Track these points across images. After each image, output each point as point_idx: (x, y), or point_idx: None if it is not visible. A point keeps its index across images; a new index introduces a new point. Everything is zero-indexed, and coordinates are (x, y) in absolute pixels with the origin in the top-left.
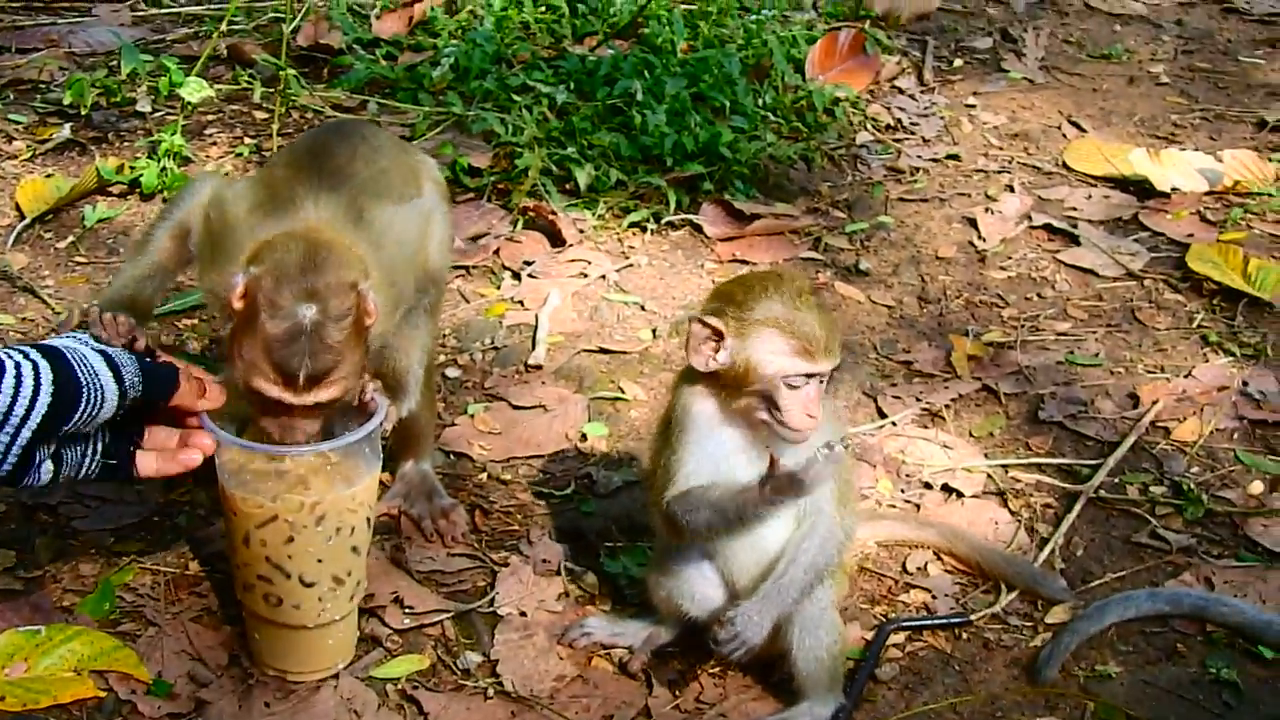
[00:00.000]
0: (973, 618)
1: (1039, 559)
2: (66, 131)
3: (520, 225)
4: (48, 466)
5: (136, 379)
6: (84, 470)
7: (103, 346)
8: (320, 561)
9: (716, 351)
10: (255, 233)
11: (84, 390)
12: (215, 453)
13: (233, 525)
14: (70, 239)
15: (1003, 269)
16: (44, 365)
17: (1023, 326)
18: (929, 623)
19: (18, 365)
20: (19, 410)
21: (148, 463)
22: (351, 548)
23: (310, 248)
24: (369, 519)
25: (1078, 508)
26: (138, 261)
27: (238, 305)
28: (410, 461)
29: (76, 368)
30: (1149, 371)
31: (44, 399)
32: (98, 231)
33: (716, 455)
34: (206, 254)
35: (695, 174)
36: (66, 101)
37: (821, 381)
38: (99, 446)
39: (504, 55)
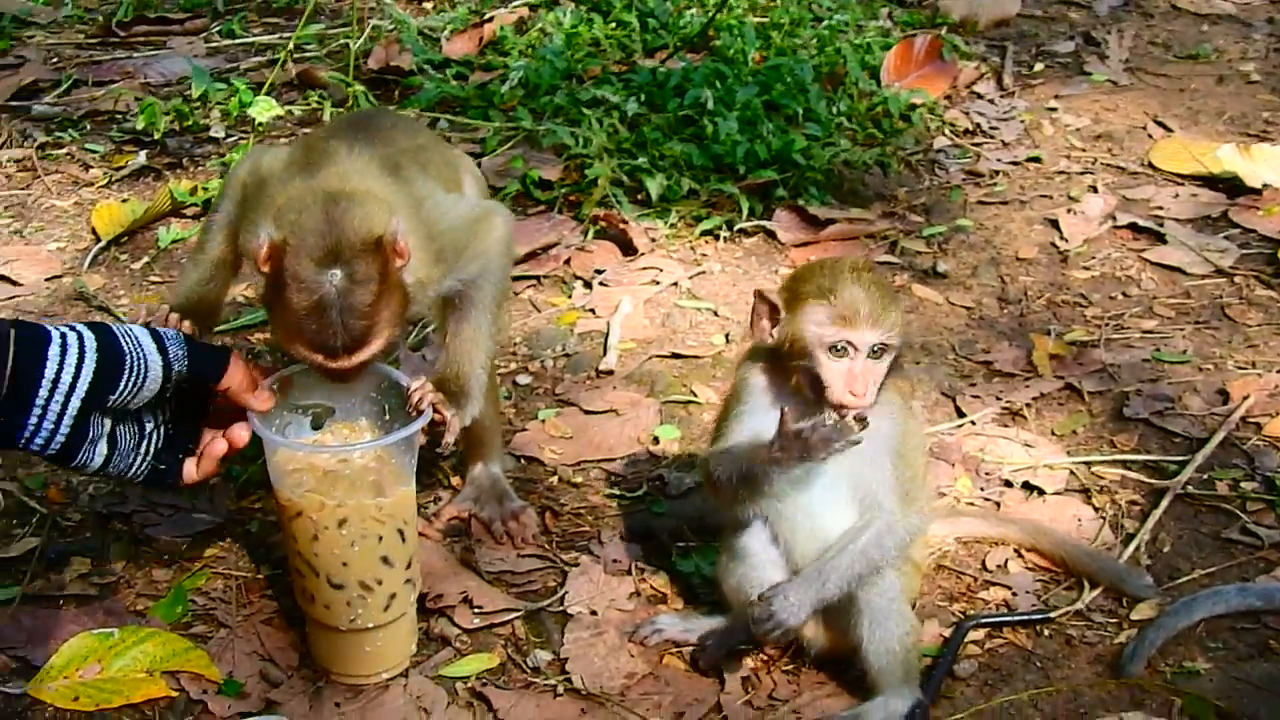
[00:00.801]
0: (1055, 614)
1: (1124, 555)
2: (142, 158)
3: (591, 235)
4: (101, 448)
5: (181, 353)
6: (134, 467)
7: (149, 325)
8: (345, 565)
9: (773, 325)
10: (286, 187)
11: (127, 357)
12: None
13: (279, 515)
14: (145, 260)
15: (1086, 269)
16: (88, 334)
17: (1107, 325)
18: (1009, 619)
19: (63, 335)
20: (66, 377)
21: (189, 469)
22: (381, 557)
23: (329, 202)
24: (402, 532)
25: (1165, 503)
26: (196, 261)
27: (264, 269)
28: (479, 465)
29: (120, 338)
30: (1239, 367)
31: (90, 364)
32: (171, 252)
33: (761, 426)
34: (243, 216)
35: (768, 181)
36: (140, 127)
37: (871, 357)
38: (153, 447)
39: (574, 71)
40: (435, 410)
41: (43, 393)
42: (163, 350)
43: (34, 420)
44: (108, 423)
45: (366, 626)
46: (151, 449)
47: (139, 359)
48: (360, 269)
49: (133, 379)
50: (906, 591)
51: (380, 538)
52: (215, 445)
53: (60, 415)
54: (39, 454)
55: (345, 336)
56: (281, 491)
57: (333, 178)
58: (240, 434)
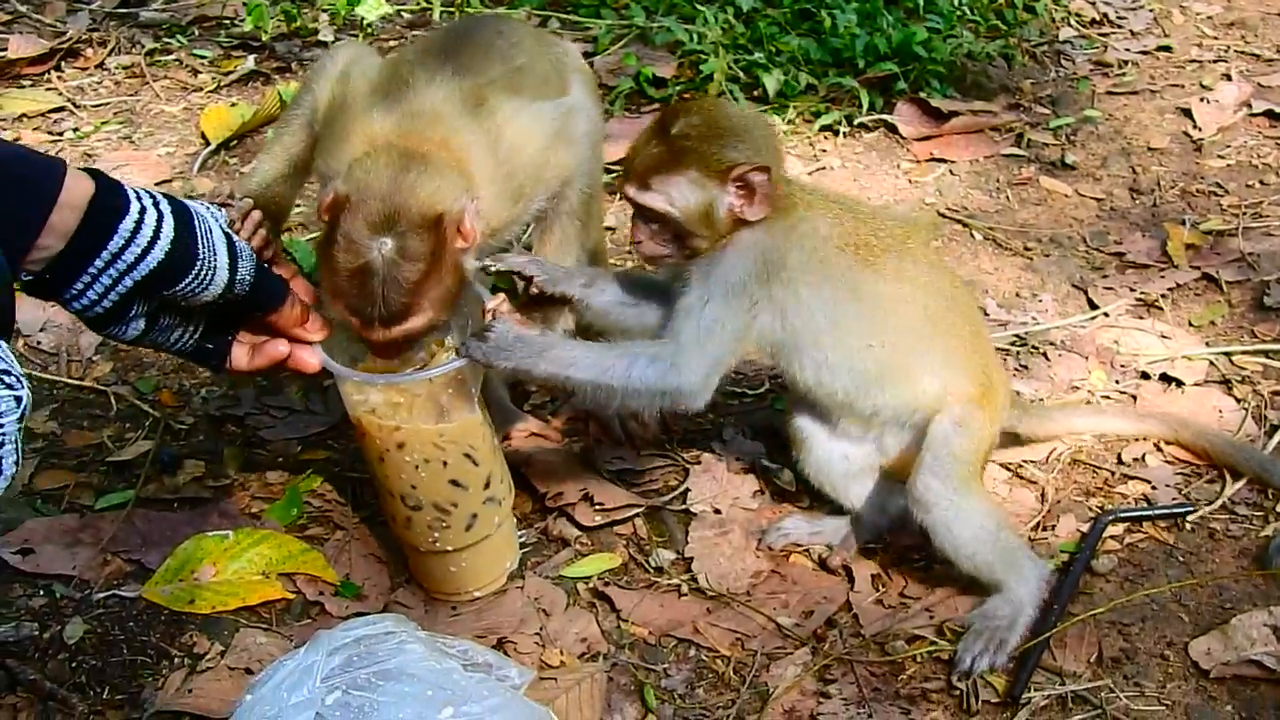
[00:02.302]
0: (1197, 508)
1: (1269, 446)
2: (250, 62)
3: None
4: (138, 325)
5: (249, 277)
6: (176, 343)
7: (231, 233)
8: (414, 488)
9: None
10: (367, 117)
11: (198, 262)
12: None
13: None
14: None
15: (1221, 157)
16: (169, 222)
17: (1244, 214)
18: (1149, 513)
19: (142, 211)
20: (128, 257)
21: (241, 355)
22: (450, 480)
23: (402, 167)
24: (471, 456)
25: None
26: (272, 152)
27: (325, 217)
28: None
29: (199, 239)
30: None
31: (157, 254)
32: None
33: None
34: (324, 131)
35: (888, 74)
36: (248, 30)
37: (640, 219)
38: (197, 326)
39: None
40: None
41: (98, 263)
42: (233, 268)
43: (80, 285)
44: (153, 303)
45: (447, 549)
46: (195, 331)
47: (207, 268)
48: (412, 243)
49: (192, 284)
50: (964, 483)
51: (445, 463)
52: (276, 346)
53: (109, 289)
54: (74, 314)
55: (384, 309)
56: (349, 411)
57: (408, 117)
58: (305, 360)
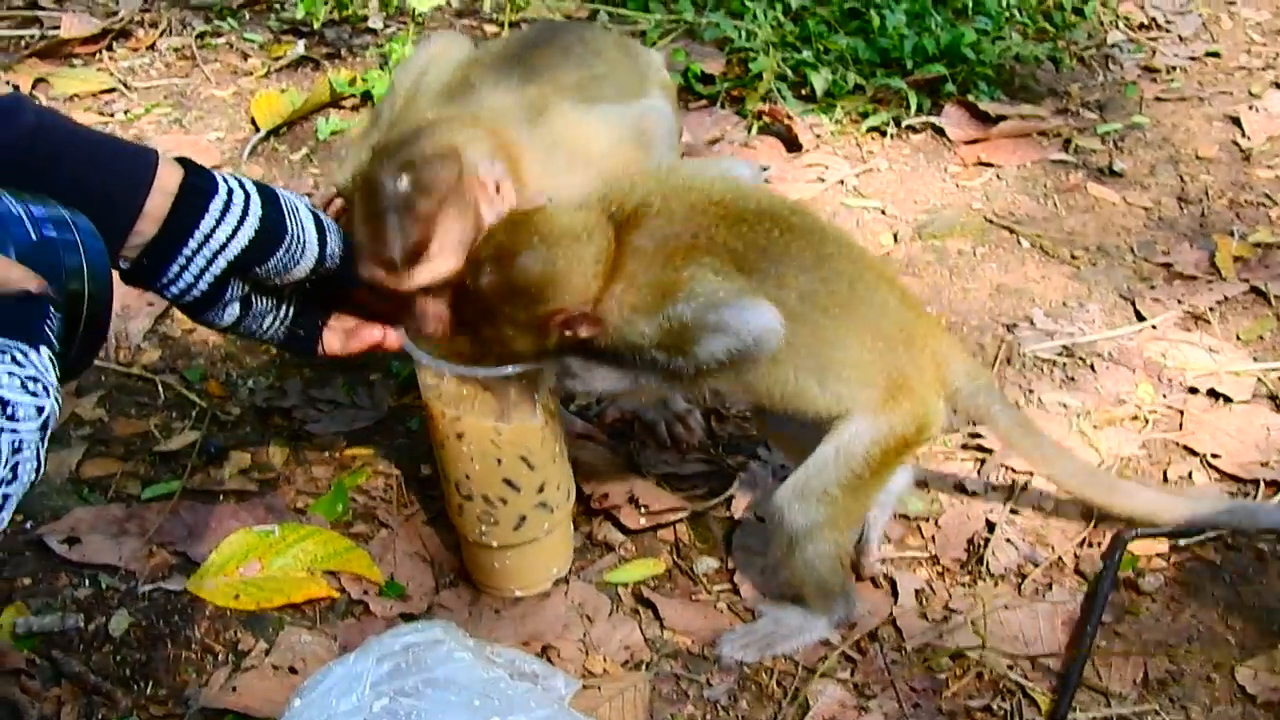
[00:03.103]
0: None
1: None
2: (300, 48)
3: (755, 130)
4: (233, 310)
5: (338, 249)
6: (269, 329)
7: (318, 210)
8: (468, 477)
9: None
10: (425, 114)
11: (287, 236)
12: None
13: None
14: (304, 151)
15: (1270, 168)
16: (255, 200)
17: None
18: (1168, 532)
19: (230, 191)
20: (220, 235)
21: (332, 340)
22: (504, 479)
23: (433, 124)
24: (527, 460)
25: None
26: (360, 147)
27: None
28: None
29: (287, 215)
30: None
31: (248, 230)
32: (330, 144)
33: None
34: (396, 125)
35: (936, 76)
36: (299, 17)
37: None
38: (288, 311)
39: None
40: None
41: (192, 244)
42: (322, 241)
43: (175, 269)
44: (246, 286)
45: (493, 544)
46: (288, 315)
47: (297, 241)
48: (426, 175)
49: (284, 259)
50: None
51: (499, 460)
52: (370, 331)
53: (203, 271)
54: (171, 300)
55: (401, 244)
56: (422, 392)
57: (465, 119)
58: (393, 339)
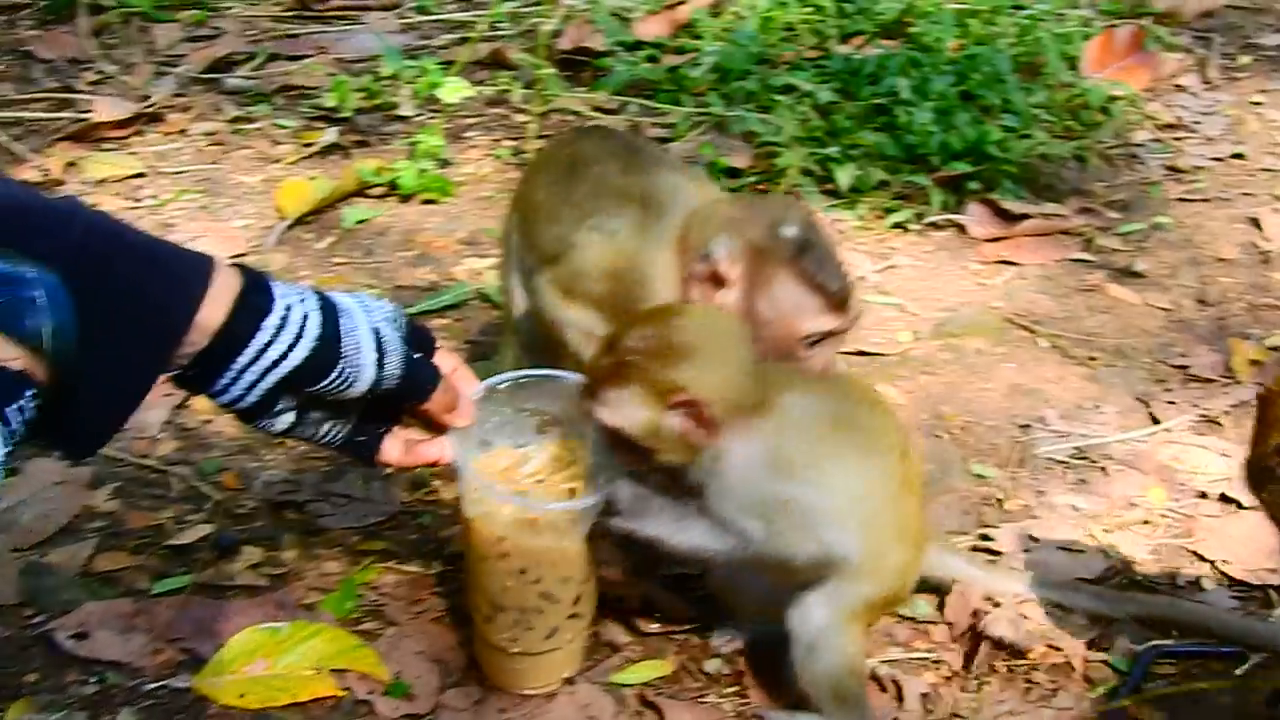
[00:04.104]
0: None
1: None
2: (331, 135)
3: None
4: (287, 418)
5: (397, 372)
6: (327, 435)
7: (379, 324)
8: (505, 590)
9: None
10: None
11: (341, 362)
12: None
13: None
14: (329, 240)
15: None
16: (314, 320)
17: None
18: (1196, 649)
19: (288, 309)
20: (272, 354)
21: (392, 450)
22: (541, 594)
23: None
24: (567, 579)
25: None
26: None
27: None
28: None
29: (343, 339)
30: None
31: (301, 353)
32: (356, 233)
33: None
34: None
35: (961, 173)
36: (330, 104)
37: None
38: (349, 420)
39: (767, 56)
40: None
41: (243, 359)
42: (380, 365)
43: (226, 380)
44: (299, 398)
45: (519, 651)
46: (346, 425)
47: (353, 367)
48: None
49: (336, 382)
50: (846, 621)
51: (539, 578)
52: (428, 449)
53: (253, 385)
54: (222, 406)
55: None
56: (463, 509)
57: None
58: (446, 453)
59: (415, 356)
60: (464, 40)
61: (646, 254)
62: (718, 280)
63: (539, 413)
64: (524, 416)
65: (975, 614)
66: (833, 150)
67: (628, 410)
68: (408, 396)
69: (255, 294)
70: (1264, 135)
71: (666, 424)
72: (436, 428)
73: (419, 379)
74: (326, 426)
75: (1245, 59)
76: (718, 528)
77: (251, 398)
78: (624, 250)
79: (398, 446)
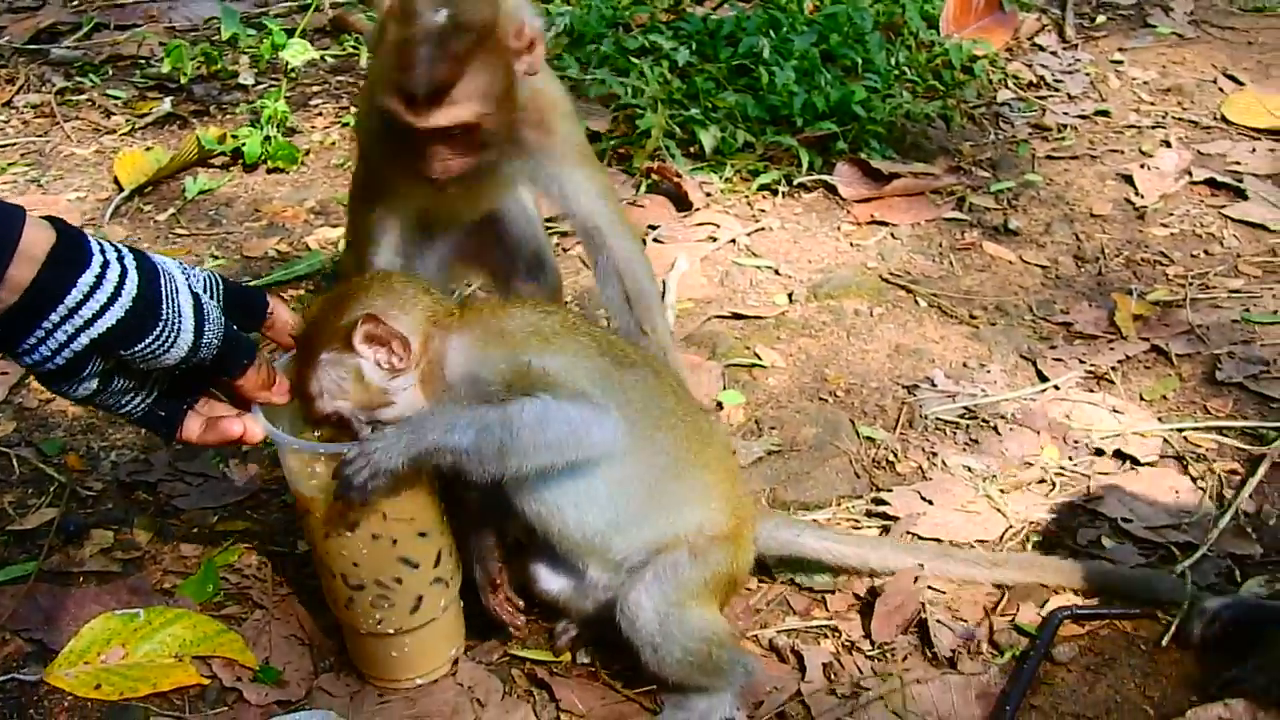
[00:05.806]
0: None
1: (1222, 525)
2: (167, 105)
3: (644, 189)
4: (90, 384)
5: (215, 341)
6: (128, 406)
7: (200, 290)
8: (356, 565)
9: None
10: None
11: (159, 324)
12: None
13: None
14: (170, 211)
15: (1164, 226)
16: (132, 279)
17: (1191, 284)
18: (1105, 613)
19: (104, 266)
20: (85, 312)
21: (193, 426)
22: (400, 558)
23: None
24: (424, 534)
25: (1262, 471)
26: None
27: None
28: None
29: (163, 301)
30: None
31: (116, 312)
32: (199, 203)
33: None
34: None
35: (827, 134)
36: (166, 70)
37: None
38: (153, 391)
39: (621, 19)
40: None
41: (55, 317)
42: (198, 332)
43: (34, 339)
44: (109, 362)
45: (389, 631)
46: (149, 396)
47: (170, 330)
48: (468, 12)
49: (151, 347)
50: (678, 606)
51: (394, 540)
52: (230, 424)
53: (63, 345)
54: (25, 368)
55: (429, 80)
56: (291, 484)
57: None
58: (252, 431)
59: (233, 329)
60: (303, 8)
61: None
62: None
63: None
64: None
65: (874, 586)
66: (695, 112)
67: (327, 379)
68: (221, 369)
69: (70, 249)
70: (1126, 93)
71: (366, 368)
72: (242, 405)
73: (236, 350)
74: (130, 397)
75: (1101, 18)
76: (480, 417)
77: (60, 359)
78: None
79: (198, 424)
